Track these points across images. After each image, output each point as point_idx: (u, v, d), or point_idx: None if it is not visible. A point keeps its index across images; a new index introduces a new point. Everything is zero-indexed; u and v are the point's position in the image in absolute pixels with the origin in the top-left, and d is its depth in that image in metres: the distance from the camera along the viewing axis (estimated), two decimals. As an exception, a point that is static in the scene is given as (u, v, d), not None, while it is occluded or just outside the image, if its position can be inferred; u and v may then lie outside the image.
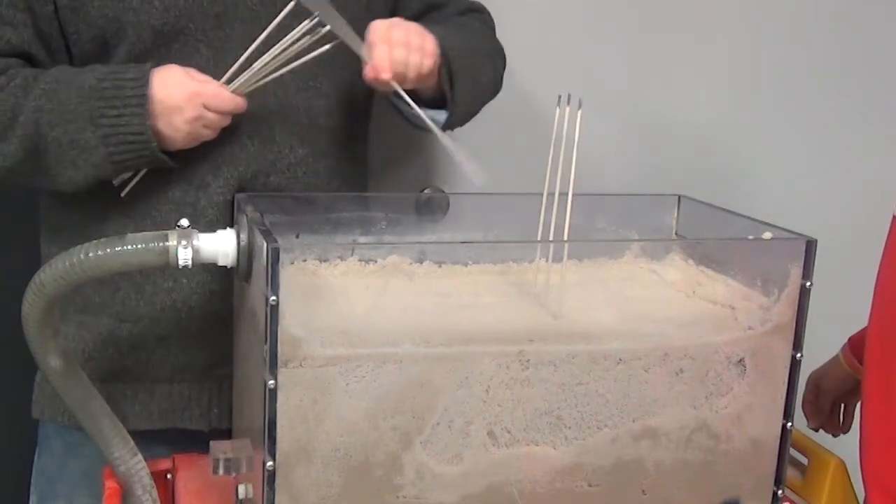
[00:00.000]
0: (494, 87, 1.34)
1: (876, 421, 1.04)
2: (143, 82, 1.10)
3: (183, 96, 1.10)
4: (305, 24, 1.09)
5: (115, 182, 1.17)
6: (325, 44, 1.11)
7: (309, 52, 1.12)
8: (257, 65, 1.11)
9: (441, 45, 1.20)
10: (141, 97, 1.10)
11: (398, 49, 1.13)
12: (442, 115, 1.24)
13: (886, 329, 1.04)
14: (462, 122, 1.29)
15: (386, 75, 1.12)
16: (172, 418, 1.25)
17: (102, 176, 1.14)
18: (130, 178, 1.17)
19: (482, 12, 1.41)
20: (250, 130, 1.15)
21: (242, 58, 1.12)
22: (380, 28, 1.15)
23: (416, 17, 1.34)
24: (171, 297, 1.20)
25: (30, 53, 1.17)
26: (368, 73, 1.13)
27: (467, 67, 1.23)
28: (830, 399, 1.42)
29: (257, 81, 1.13)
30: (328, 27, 1.09)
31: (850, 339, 1.37)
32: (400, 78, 1.14)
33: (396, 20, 1.17)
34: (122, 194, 1.17)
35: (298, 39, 1.10)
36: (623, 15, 1.64)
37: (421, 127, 1.23)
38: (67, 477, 1.29)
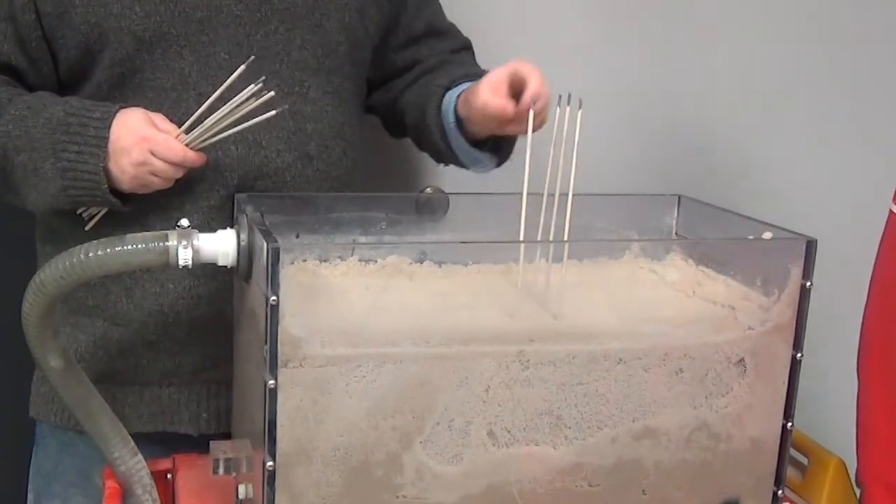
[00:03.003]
0: None
1: (880, 416, 1.03)
2: (107, 124, 1.11)
3: (132, 140, 1.10)
4: (251, 88, 1.09)
5: (85, 216, 1.18)
6: (272, 108, 1.11)
7: (257, 114, 1.11)
8: (208, 122, 1.11)
9: None
10: (101, 139, 1.10)
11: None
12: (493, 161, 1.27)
13: (887, 323, 1.03)
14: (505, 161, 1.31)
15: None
16: (162, 421, 1.25)
17: (58, 206, 1.15)
18: (96, 213, 1.18)
19: (470, 50, 1.43)
20: (235, 136, 1.15)
21: (199, 111, 1.12)
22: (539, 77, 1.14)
23: (416, 38, 1.35)
24: (158, 301, 1.20)
25: (11, 64, 1.18)
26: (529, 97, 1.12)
27: None
28: None
29: (208, 139, 1.12)
30: (272, 93, 1.10)
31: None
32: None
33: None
34: (87, 228, 1.18)
35: (244, 102, 1.10)
36: (623, 15, 1.64)
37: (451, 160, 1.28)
38: (63, 476, 1.30)
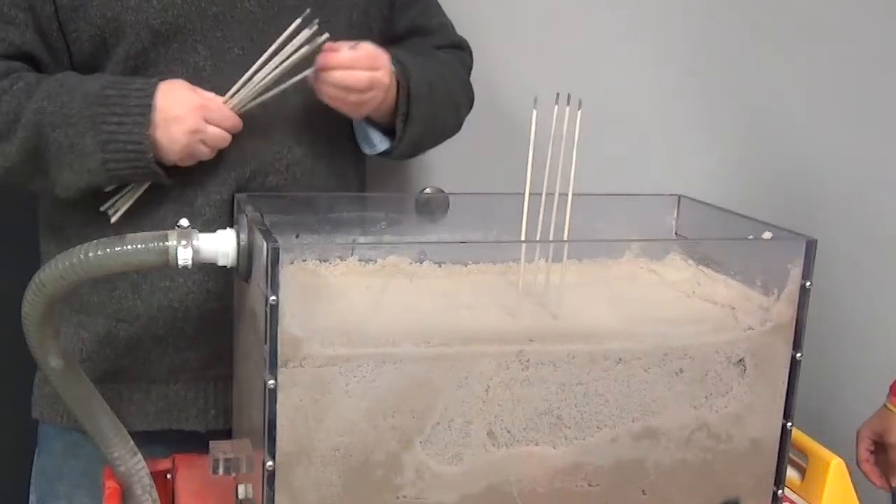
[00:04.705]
0: (448, 131, 1.37)
1: None
2: (149, 93, 1.11)
3: (186, 108, 1.11)
4: (305, 33, 1.10)
5: (110, 212, 1.18)
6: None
7: (301, 70, 1.13)
8: (257, 78, 1.13)
9: (405, 77, 1.22)
10: (145, 107, 1.10)
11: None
12: (384, 144, 1.28)
13: None
14: (404, 157, 1.33)
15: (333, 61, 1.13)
16: (169, 419, 1.25)
17: (96, 183, 1.14)
18: (122, 203, 1.18)
19: (463, 49, 1.42)
20: (247, 130, 1.15)
21: (244, 77, 1.13)
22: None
23: (402, 37, 1.35)
24: (167, 296, 1.20)
25: (32, 54, 1.17)
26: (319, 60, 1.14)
27: (423, 105, 1.25)
28: None
29: (255, 98, 1.14)
30: (326, 35, 1.10)
31: (892, 386, 1.36)
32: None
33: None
34: (112, 220, 1.18)
35: (297, 50, 1.11)
36: (622, 14, 1.64)
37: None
38: (67, 476, 1.29)
